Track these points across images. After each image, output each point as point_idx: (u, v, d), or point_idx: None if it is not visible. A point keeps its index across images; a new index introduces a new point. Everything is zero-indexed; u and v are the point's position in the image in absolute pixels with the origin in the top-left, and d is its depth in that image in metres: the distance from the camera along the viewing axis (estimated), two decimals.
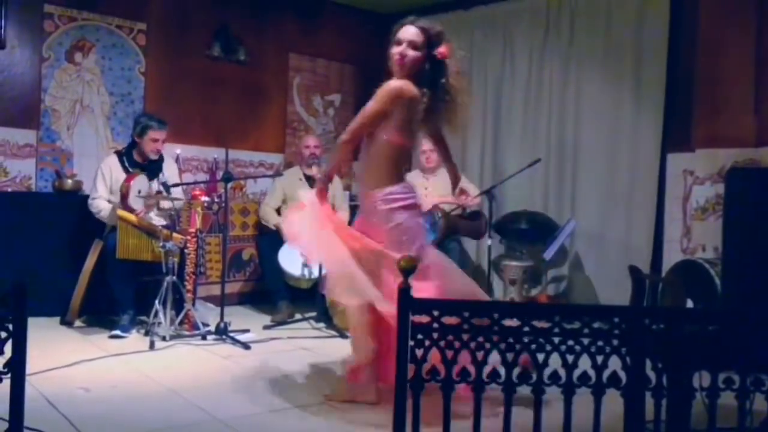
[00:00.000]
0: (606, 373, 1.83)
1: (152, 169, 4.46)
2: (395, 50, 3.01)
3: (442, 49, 3.00)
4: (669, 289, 4.08)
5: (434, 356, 1.85)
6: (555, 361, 1.82)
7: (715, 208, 4.42)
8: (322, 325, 4.72)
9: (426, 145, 5.43)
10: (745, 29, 4.33)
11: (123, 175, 4.37)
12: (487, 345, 1.83)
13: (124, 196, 4.20)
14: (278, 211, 5.30)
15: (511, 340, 1.83)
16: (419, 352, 1.84)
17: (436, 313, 1.84)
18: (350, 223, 5.62)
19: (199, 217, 4.30)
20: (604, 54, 5.12)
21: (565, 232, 5.07)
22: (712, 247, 4.35)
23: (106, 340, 4.08)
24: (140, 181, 4.31)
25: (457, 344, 1.83)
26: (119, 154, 4.52)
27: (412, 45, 2.99)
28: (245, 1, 5.84)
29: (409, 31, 3.02)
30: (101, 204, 4.37)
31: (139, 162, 4.48)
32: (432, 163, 5.36)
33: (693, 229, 4.56)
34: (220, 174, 5.24)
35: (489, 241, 4.82)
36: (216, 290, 4.87)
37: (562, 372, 1.83)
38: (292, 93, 6.17)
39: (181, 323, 4.21)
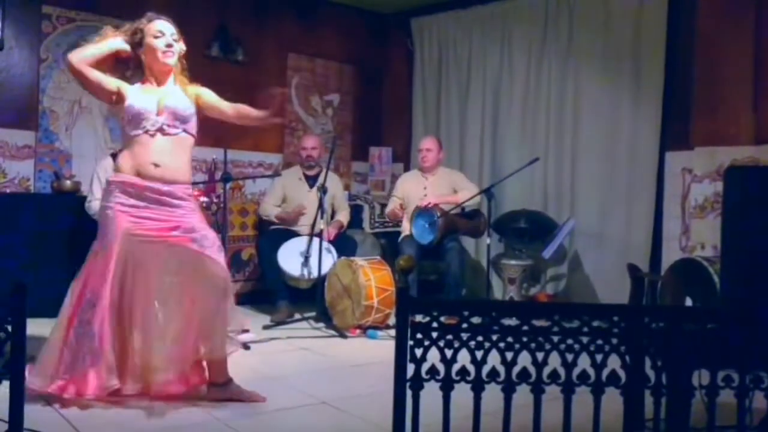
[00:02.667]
0: (605, 372, 1.83)
1: None
2: (163, 42, 3.07)
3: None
4: (668, 288, 4.08)
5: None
6: (554, 360, 1.82)
7: (713, 206, 4.43)
8: (321, 325, 4.72)
9: (423, 144, 5.44)
10: (743, 26, 4.33)
11: None
12: (486, 344, 1.83)
13: None
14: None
15: (510, 339, 1.83)
16: (418, 352, 1.84)
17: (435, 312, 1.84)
18: (350, 223, 5.68)
19: None
20: (602, 52, 5.13)
21: (564, 231, 5.07)
22: (711, 246, 4.36)
23: None
24: None
25: (456, 343, 1.83)
26: (114, 157, 4.51)
27: (175, 37, 3.12)
28: (244, 1, 5.84)
29: (166, 25, 3.14)
30: (98, 206, 4.36)
31: None
32: (428, 163, 5.36)
33: (692, 227, 4.57)
34: (218, 174, 5.23)
35: (488, 240, 4.82)
36: None
37: (561, 371, 1.83)
38: (291, 93, 6.17)
39: None
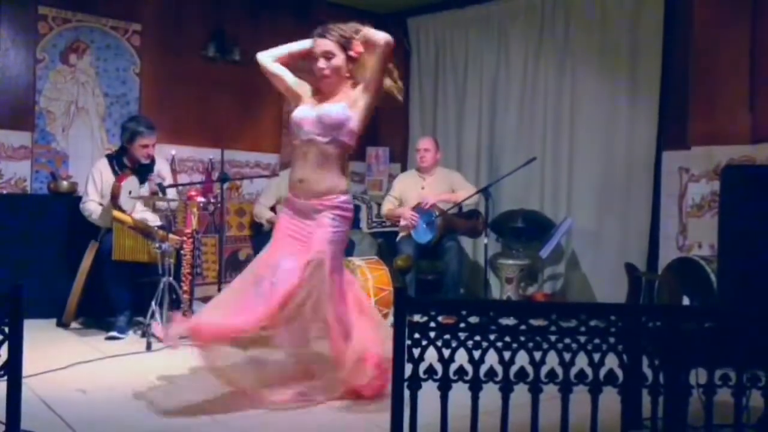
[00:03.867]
0: (603, 371, 1.84)
1: (143, 172, 4.44)
2: (316, 66, 3.15)
3: (356, 48, 3.16)
4: (665, 287, 4.09)
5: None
6: (552, 360, 1.83)
7: (710, 205, 4.43)
8: None
9: (421, 144, 5.43)
10: (739, 26, 4.34)
11: (113, 179, 4.35)
12: (484, 344, 1.83)
13: (114, 196, 4.19)
14: (273, 210, 5.31)
15: (508, 338, 1.83)
16: (416, 351, 1.84)
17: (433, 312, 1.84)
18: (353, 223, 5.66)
19: (195, 217, 4.28)
20: (599, 52, 5.13)
21: (561, 231, 5.07)
22: (708, 245, 4.36)
23: (103, 342, 4.07)
24: (131, 182, 4.30)
25: (453, 343, 1.83)
26: (110, 158, 4.50)
27: (328, 55, 3.13)
28: (240, 2, 5.83)
29: (321, 43, 3.14)
30: (92, 206, 4.36)
31: (130, 166, 4.44)
32: (427, 163, 5.35)
33: (689, 226, 4.58)
34: (215, 174, 5.24)
35: (486, 240, 4.82)
36: (213, 291, 4.87)
37: (559, 370, 1.83)
38: None
39: None
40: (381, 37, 3.10)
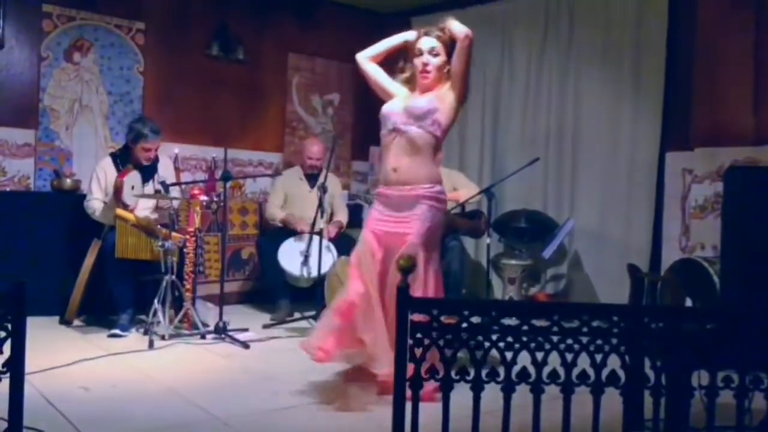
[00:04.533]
0: (605, 372, 1.83)
1: (147, 171, 4.44)
2: (419, 61, 3.23)
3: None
4: (668, 288, 4.08)
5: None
6: (554, 360, 1.82)
7: (713, 206, 4.43)
8: None
9: None
10: (743, 27, 4.33)
11: None
12: (486, 344, 1.83)
13: (117, 191, 4.20)
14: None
15: (509, 339, 1.83)
16: (418, 351, 1.84)
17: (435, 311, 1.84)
18: (351, 222, 5.66)
19: (198, 216, 4.30)
20: (603, 53, 5.12)
21: (564, 231, 5.07)
22: (711, 246, 4.36)
23: (106, 339, 4.08)
24: (133, 178, 4.31)
25: (455, 343, 1.83)
26: (114, 156, 4.50)
27: (434, 51, 3.21)
28: (244, 1, 5.84)
29: (428, 40, 3.23)
30: (96, 205, 4.37)
31: (133, 164, 4.45)
32: None
33: (692, 227, 4.57)
34: (219, 173, 5.23)
35: (488, 240, 4.81)
36: (215, 289, 4.87)
37: (561, 371, 1.83)
38: (291, 92, 6.17)
39: (180, 322, 4.21)
40: (460, 30, 3.13)
